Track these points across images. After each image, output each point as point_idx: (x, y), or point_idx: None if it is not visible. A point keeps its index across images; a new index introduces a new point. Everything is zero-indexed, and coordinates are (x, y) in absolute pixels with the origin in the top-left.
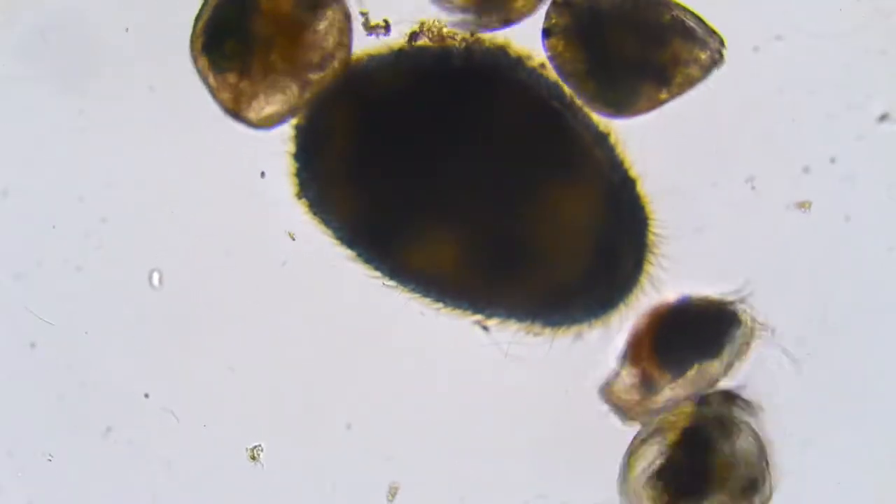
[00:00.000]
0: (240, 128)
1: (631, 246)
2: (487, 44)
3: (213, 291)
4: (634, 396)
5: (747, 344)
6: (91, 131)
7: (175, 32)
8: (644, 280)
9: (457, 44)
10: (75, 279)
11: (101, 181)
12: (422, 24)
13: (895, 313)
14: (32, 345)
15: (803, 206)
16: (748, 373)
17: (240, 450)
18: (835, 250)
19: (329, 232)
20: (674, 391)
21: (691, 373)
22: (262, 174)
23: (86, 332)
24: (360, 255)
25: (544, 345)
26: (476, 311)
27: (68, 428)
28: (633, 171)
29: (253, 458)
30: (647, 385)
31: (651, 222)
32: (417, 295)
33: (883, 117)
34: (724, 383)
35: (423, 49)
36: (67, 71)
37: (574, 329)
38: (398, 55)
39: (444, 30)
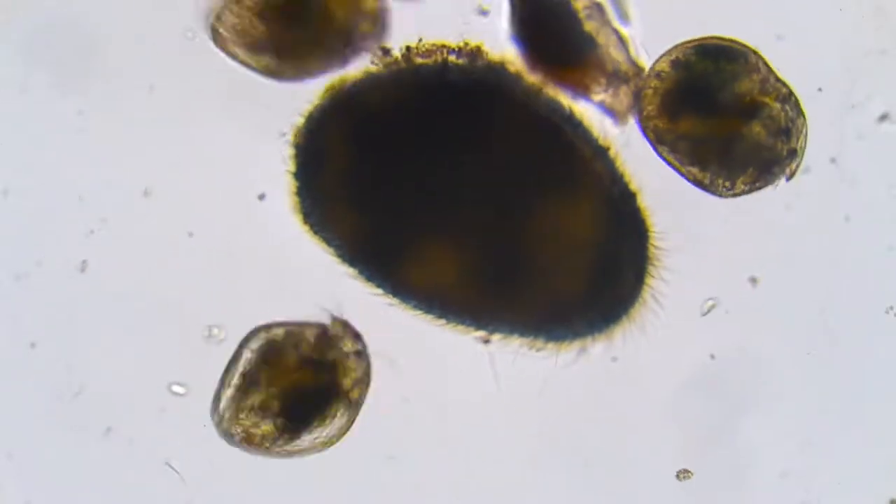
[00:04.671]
0: (239, 127)
1: (632, 259)
2: (487, 59)
3: (213, 291)
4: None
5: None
6: (91, 131)
7: (175, 32)
8: (646, 292)
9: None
10: (75, 279)
11: (101, 181)
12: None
13: (895, 313)
14: (32, 345)
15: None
16: None
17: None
18: (835, 250)
19: (330, 250)
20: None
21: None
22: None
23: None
24: (361, 272)
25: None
26: (479, 326)
27: (68, 428)
28: (633, 184)
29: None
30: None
31: (652, 235)
32: (420, 311)
33: (883, 117)
34: None
35: (421, 66)
36: (67, 71)
37: (577, 343)
38: (396, 72)
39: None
